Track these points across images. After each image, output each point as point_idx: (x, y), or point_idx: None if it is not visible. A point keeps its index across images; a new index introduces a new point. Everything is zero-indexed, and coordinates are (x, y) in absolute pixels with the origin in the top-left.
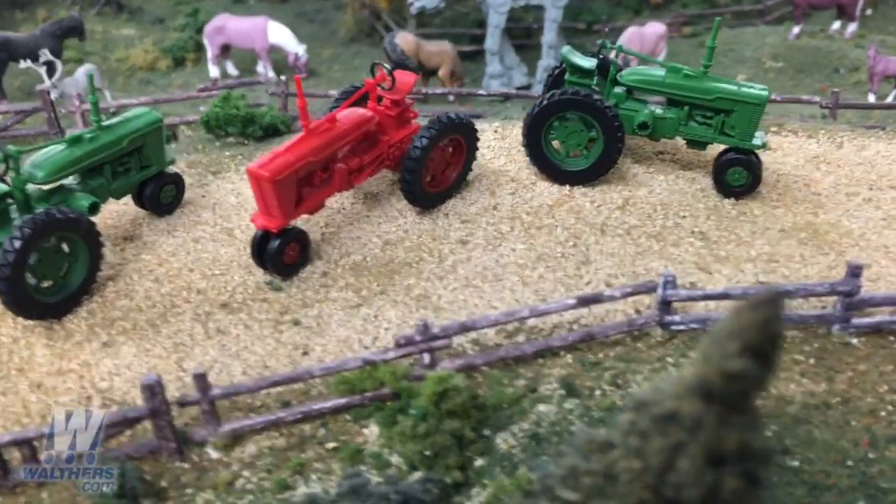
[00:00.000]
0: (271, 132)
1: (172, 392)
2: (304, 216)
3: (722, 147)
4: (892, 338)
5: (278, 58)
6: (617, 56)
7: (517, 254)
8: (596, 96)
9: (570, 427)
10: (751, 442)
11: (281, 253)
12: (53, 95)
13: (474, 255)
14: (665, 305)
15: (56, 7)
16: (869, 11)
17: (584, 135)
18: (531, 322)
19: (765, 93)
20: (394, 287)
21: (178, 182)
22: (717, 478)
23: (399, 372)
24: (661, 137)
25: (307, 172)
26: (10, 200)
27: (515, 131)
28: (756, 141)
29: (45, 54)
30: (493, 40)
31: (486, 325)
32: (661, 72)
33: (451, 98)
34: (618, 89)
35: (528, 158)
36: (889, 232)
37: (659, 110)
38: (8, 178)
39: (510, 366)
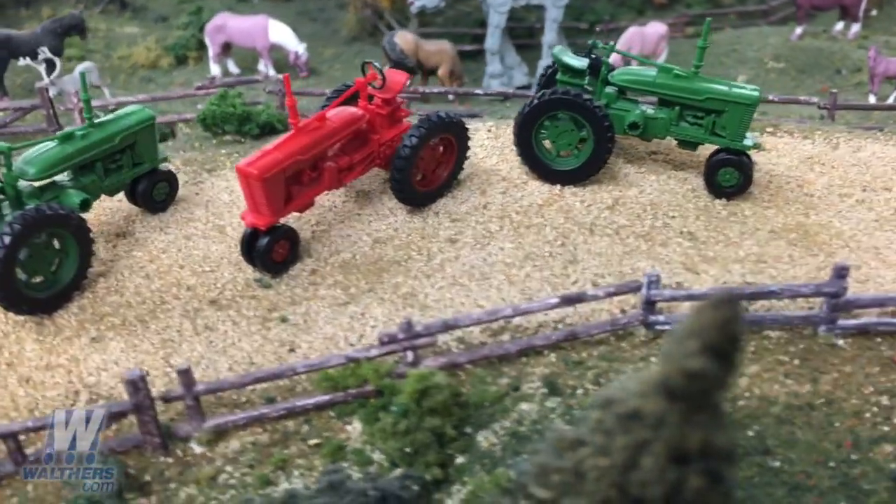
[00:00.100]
0: (268, 130)
1: (160, 387)
2: (296, 214)
3: (714, 147)
4: (878, 339)
5: (279, 56)
6: (608, 56)
7: (505, 253)
8: (586, 96)
9: (550, 425)
10: (714, 440)
11: (270, 250)
12: (52, 93)
13: (462, 253)
14: (649, 305)
15: (61, 5)
16: (874, 12)
17: (574, 134)
18: (517, 321)
19: (755, 93)
20: (382, 285)
21: (170, 179)
22: (680, 476)
23: (382, 369)
24: (653, 138)
25: (296, 171)
26: (1, 197)
27: (509, 131)
28: (747, 142)
29: (44, 52)
30: (493, 40)
31: (469, 324)
32: (652, 72)
33: (451, 97)
34: (609, 89)
35: (519, 158)
36: (880, 233)
37: (650, 110)
38: None
39: (494, 364)
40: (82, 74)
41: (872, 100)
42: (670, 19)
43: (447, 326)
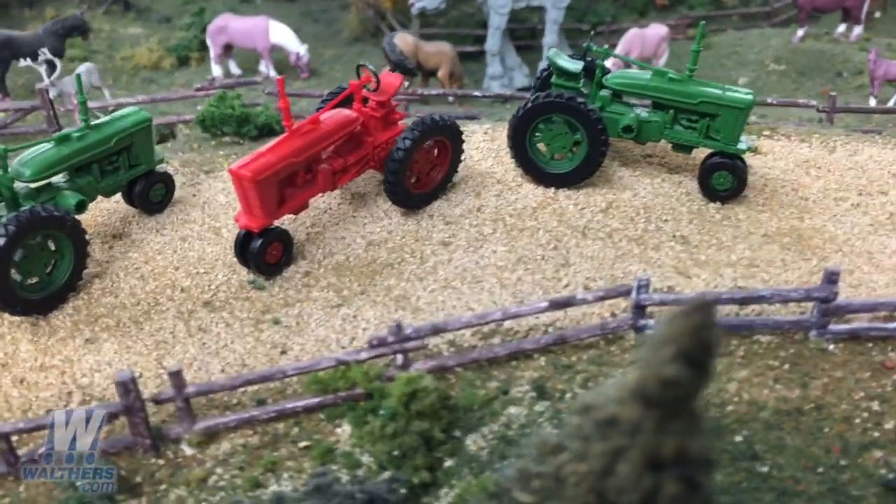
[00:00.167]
0: (266, 132)
1: (152, 389)
2: (291, 216)
3: (708, 151)
4: (869, 344)
5: (280, 57)
6: (603, 59)
7: (498, 256)
8: (580, 99)
9: (537, 430)
10: (690, 447)
11: (263, 252)
12: (52, 94)
13: (455, 256)
14: (639, 309)
15: (64, 6)
16: (878, 14)
17: (568, 137)
18: (507, 324)
19: (749, 97)
20: (374, 287)
21: (167, 181)
22: (656, 482)
23: (371, 372)
24: (647, 141)
25: (289, 173)
26: None
27: (505, 133)
28: (741, 145)
29: (45, 53)
30: (493, 41)
31: (459, 327)
32: (646, 75)
33: (451, 99)
34: (603, 92)
35: (514, 160)
36: (874, 238)
37: (644, 114)
38: None
39: (483, 368)
40: (78, 76)
41: (873, 103)
42: (672, 21)
43: (437, 330)
